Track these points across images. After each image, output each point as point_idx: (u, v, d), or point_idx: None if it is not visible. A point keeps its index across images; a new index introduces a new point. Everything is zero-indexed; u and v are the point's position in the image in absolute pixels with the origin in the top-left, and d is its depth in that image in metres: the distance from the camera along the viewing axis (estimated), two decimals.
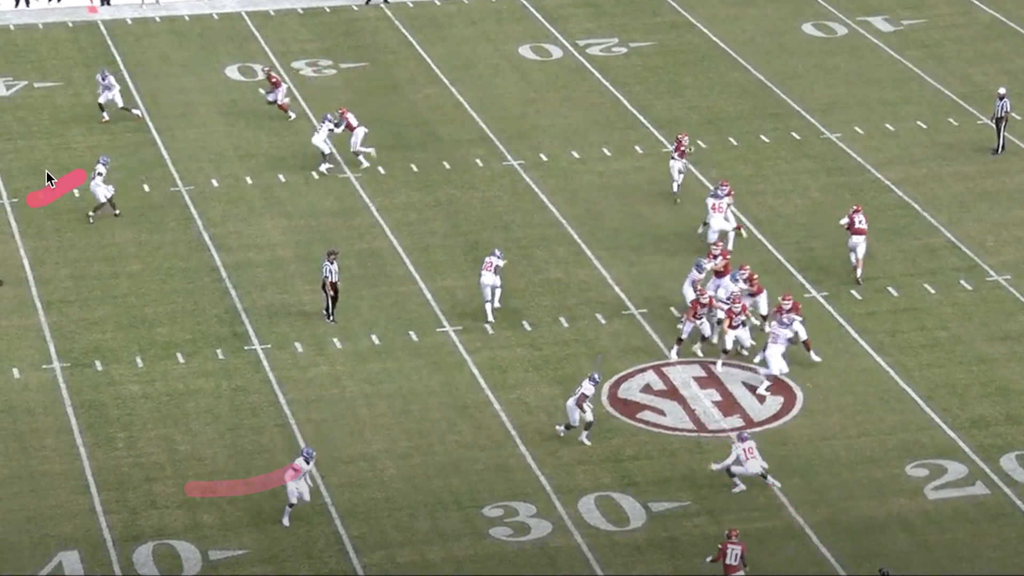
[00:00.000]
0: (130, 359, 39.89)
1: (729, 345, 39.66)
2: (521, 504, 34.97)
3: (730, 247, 43.52)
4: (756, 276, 41.01)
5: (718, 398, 38.68)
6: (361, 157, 48.55)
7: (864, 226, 42.84)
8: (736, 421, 37.80)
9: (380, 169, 48.72)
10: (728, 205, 44.24)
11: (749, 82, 54.41)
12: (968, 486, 35.76)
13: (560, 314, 41.84)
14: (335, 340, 40.65)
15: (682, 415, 38.09)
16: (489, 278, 41.51)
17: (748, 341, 39.76)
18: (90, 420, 37.65)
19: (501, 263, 41.50)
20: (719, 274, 41.17)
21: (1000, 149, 49.28)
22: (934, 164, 49.26)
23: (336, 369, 39.60)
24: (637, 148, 49.62)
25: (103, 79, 51.08)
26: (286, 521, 33.86)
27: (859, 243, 42.81)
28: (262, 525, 34.16)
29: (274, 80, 51.46)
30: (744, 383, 39.16)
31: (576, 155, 49.77)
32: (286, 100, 51.44)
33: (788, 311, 38.99)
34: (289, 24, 58.80)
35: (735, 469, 35.24)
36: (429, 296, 42.56)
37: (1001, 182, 48.20)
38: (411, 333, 41.02)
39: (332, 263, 41.09)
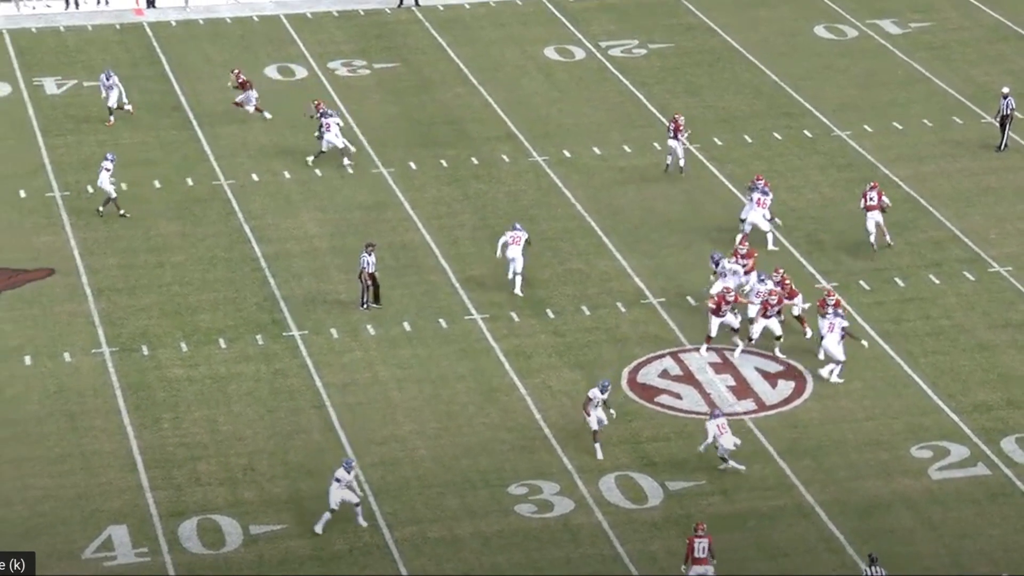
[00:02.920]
0: (175, 344, 40.09)
1: (756, 334, 39.48)
2: (545, 483, 35.11)
3: (771, 246, 43.61)
4: (789, 279, 40.58)
5: (732, 383, 38.74)
6: (347, 164, 48.34)
7: (875, 202, 43.34)
8: (749, 405, 37.90)
9: (412, 165, 48.88)
10: (763, 195, 44.20)
11: (763, 82, 54.44)
12: (970, 467, 35.81)
13: (582, 303, 41.97)
14: (368, 327, 40.82)
15: (698, 399, 38.19)
16: (515, 252, 41.85)
17: (779, 331, 39.54)
18: (137, 402, 37.87)
19: (525, 235, 41.92)
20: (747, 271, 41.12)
21: (1003, 146, 49.30)
22: (940, 161, 49.27)
23: (369, 354, 39.75)
24: (656, 145, 49.64)
25: (107, 79, 50.86)
26: (319, 529, 33.23)
27: (872, 217, 43.36)
28: (300, 502, 34.33)
29: (243, 81, 50.99)
30: (757, 368, 39.27)
31: (598, 151, 49.87)
32: (256, 102, 50.80)
33: (834, 304, 38.92)
34: (325, 26, 58.94)
35: (718, 451, 35.18)
36: (458, 286, 42.71)
37: (1004, 178, 48.18)
38: (441, 321, 41.18)
39: (370, 255, 41.19)
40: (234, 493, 34.85)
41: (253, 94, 50.56)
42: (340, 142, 48.16)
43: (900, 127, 51.26)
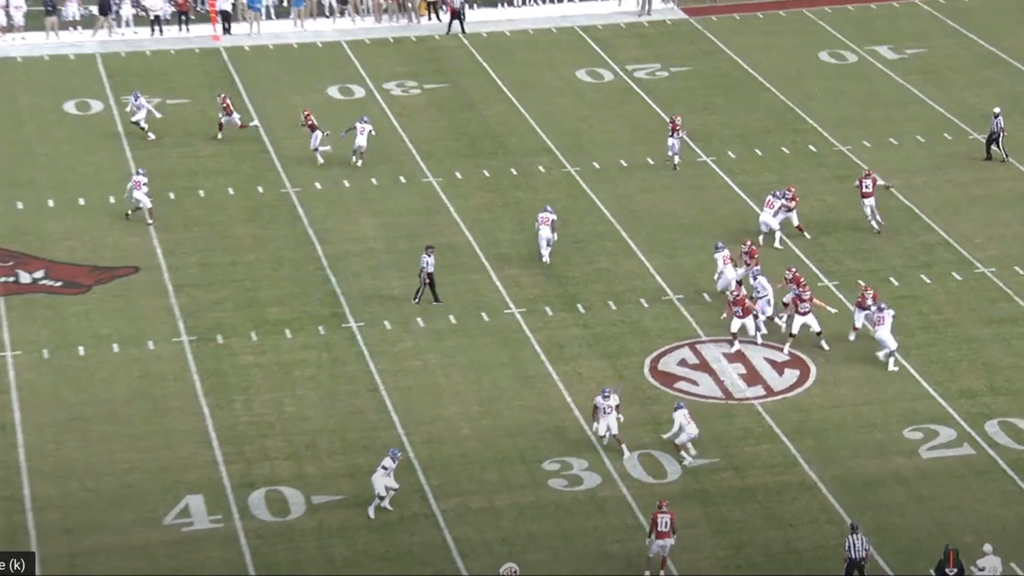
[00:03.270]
0: (246, 334, 40.22)
1: (796, 330, 39.11)
2: (575, 459, 35.16)
3: (777, 244, 43.77)
4: (802, 276, 40.42)
5: (743, 371, 38.70)
6: (319, 155, 48.84)
7: (870, 190, 44.22)
8: (759, 391, 37.85)
9: (457, 175, 48.93)
10: (782, 206, 44.12)
11: (773, 102, 54.36)
12: (957, 447, 35.74)
13: (609, 299, 41.98)
14: (418, 319, 40.89)
15: (712, 385, 38.18)
16: (546, 231, 42.33)
17: (817, 327, 39.26)
18: (212, 385, 38.00)
19: (554, 216, 42.53)
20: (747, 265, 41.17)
21: (1005, 158, 48.96)
22: (931, 173, 49.10)
23: (419, 344, 39.82)
24: (676, 158, 49.64)
25: (135, 99, 50.73)
26: (372, 513, 33.04)
27: (868, 203, 44.22)
28: (357, 476, 34.41)
29: (226, 106, 50.66)
30: (766, 358, 39.25)
31: (623, 163, 49.87)
32: (237, 121, 50.50)
33: (873, 297, 38.96)
34: (381, 51, 59.05)
35: (680, 440, 34.78)
36: (498, 283, 42.76)
37: (989, 188, 48.01)
38: (482, 314, 41.23)
39: (429, 256, 41.20)
40: (298, 467, 34.97)
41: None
42: (364, 144, 48.69)
43: (895, 142, 51.12)
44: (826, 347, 39.22)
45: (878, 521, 33.20)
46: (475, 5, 62.23)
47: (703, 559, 32.33)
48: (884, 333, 38.46)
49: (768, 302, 40.10)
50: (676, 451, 34.98)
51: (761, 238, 43.58)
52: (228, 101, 51.08)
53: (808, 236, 44.63)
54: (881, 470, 34.95)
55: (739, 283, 40.57)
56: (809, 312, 39.12)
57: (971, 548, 31.25)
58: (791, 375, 38.58)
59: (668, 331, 40.40)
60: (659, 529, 31.36)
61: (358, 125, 49.11)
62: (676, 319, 40.98)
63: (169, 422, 36.58)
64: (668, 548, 31.47)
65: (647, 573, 31.51)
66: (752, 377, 38.47)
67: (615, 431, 35.14)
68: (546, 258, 42.86)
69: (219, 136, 50.68)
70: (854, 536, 30.92)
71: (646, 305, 41.63)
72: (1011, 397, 37.55)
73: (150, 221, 45.44)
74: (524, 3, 63.04)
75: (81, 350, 39.43)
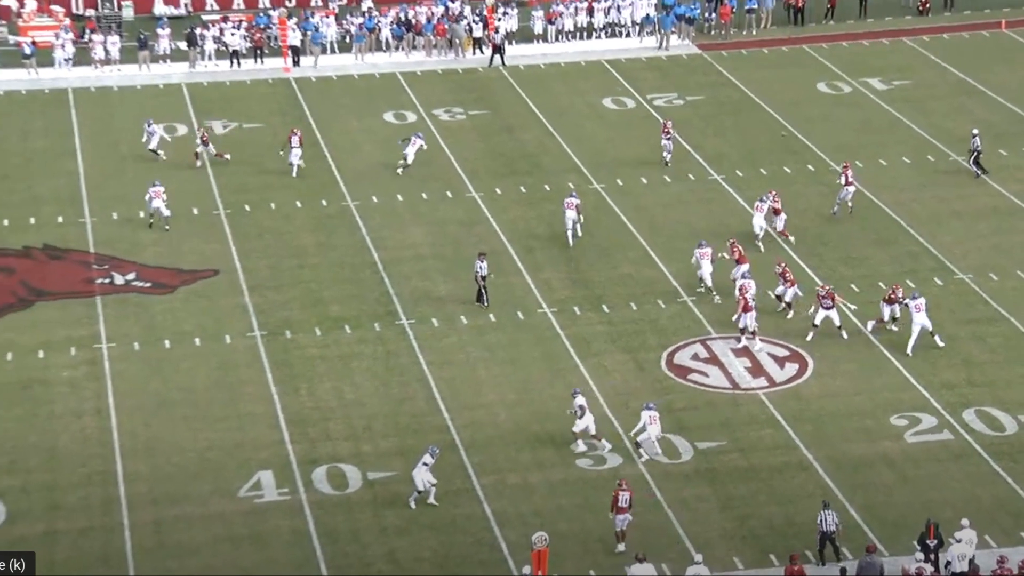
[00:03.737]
0: (310, 329, 40.15)
1: (818, 321, 38.99)
2: (599, 442, 34.93)
3: (762, 247, 43.63)
4: (789, 270, 40.57)
5: (749, 364, 38.45)
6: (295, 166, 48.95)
7: (852, 179, 45.59)
8: (762, 382, 37.59)
9: (497, 190, 48.76)
10: (769, 208, 44.24)
11: (776, 127, 54.01)
12: (937, 433, 35.46)
13: (630, 300, 41.75)
14: (462, 317, 40.75)
15: (721, 377, 37.92)
16: (571, 214, 43.12)
17: (838, 320, 39.05)
18: (281, 375, 37.96)
19: (579, 200, 43.51)
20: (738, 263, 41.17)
21: (981, 173, 48.59)
22: (916, 190, 48.68)
23: (462, 339, 39.68)
24: (690, 176, 49.38)
25: (148, 126, 50.25)
26: (412, 504, 32.39)
27: (848, 191, 45.21)
28: (407, 455, 34.30)
29: (205, 139, 50.02)
30: (769, 353, 38.93)
31: (644, 180, 49.60)
32: (211, 151, 49.74)
33: (899, 293, 39.25)
34: (431, 82, 58.97)
35: (641, 437, 34.08)
36: (532, 286, 42.57)
37: (967, 204, 47.58)
38: (519, 313, 41.06)
39: (482, 261, 41.03)
40: (355, 446, 34.93)
41: (210, 146, 49.28)
42: (412, 156, 49.12)
43: (884, 163, 50.72)
44: (845, 336, 39.09)
45: (867, 498, 32.95)
46: (514, 41, 62.11)
47: (712, 530, 32.15)
48: (922, 319, 38.35)
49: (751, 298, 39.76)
50: (635, 448, 34.08)
51: (732, 238, 42.96)
52: (207, 134, 50.42)
53: (792, 240, 44.32)
54: (870, 453, 34.68)
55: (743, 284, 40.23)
56: (832, 308, 38.88)
57: (950, 522, 31.01)
58: (791, 368, 38.31)
59: (682, 328, 40.17)
60: (619, 505, 31.04)
61: (412, 137, 49.45)
62: (690, 318, 40.74)
63: (243, 407, 36.59)
64: (627, 522, 31.06)
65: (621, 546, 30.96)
66: (756, 370, 38.22)
67: (593, 430, 34.50)
68: (571, 241, 43.06)
69: (197, 164, 49.69)
70: (825, 512, 30.75)
71: (663, 305, 41.39)
72: (986, 388, 37.21)
73: (167, 228, 45.08)
74: (557, 40, 62.88)
75: (167, 343, 39.45)
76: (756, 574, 30.32)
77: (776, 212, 44.62)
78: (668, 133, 49.70)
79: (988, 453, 34.62)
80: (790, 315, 40.11)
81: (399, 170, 49.15)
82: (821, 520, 30.64)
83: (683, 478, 33.77)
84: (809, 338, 39.03)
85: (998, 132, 52.65)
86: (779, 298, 40.33)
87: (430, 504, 32.54)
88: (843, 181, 45.99)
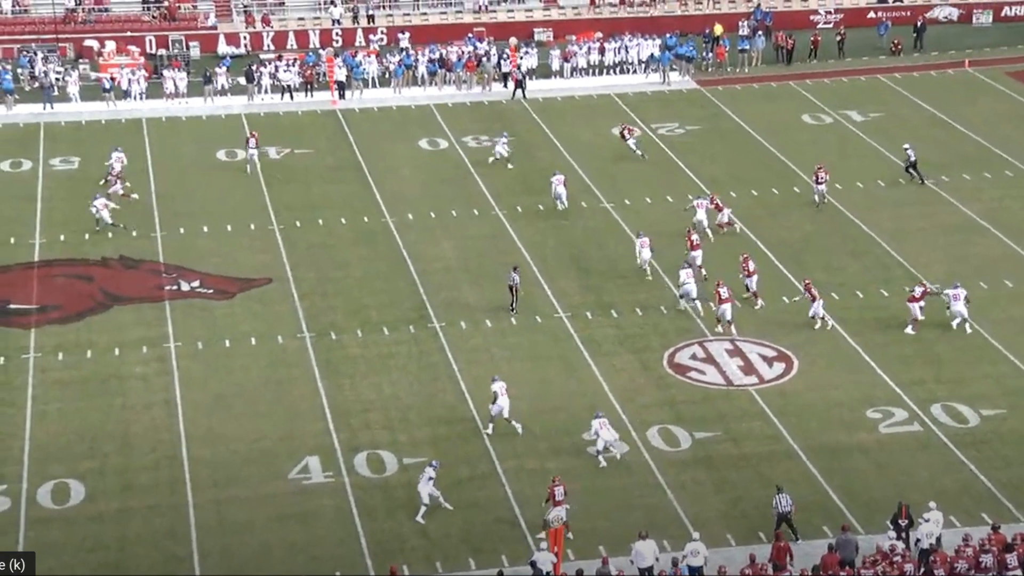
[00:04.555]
0: (353, 331, 40.09)
1: (817, 314, 39.44)
2: (609, 432, 34.73)
3: (712, 239, 44.59)
4: (751, 262, 41.19)
5: (741, 364, 38.28)
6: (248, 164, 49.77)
7: (825, 177, 47.54)
8: (753, 379, 37.41)
9: (518, 208, 48.64)
10: (711, 205, 45.58)
11: (765, 153, 53.79)
12: (908, 425, 35.23)
13: (636, 306, 41.58)
14: (487, 321, 40.65)
15: (716, 375, 37.74)
16: (560, 189, 46.39)
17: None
18: (327, 371, 37.90)
19: (564, 176, 46.78)
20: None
21: (921, 181, 49.15)
22: (889, 208, 48.39)
23: (487, 341, 39.56)
24: (689, 196, 49.13)
25: (116, 151, 49.47)
26: (420, 519, 31.19)
27: (820, 188, 47.13)
28: (438, 443, 34.30)
29: (119, 176, 47.93)
30: (759, 354, 38.75)
31: (648, 200, 49.46)
32: (120, 190, 47.99)
33: (923, 293, 39.60)
34: (460, 112, 58.90)
35: (598, 446, 33.14)
36: (549, 293, 42.45)
37: (931, 220, 47.31)
38: (536, 317, 40.92)
39: (515, 273, 40.95)
40: (392, 435, 34.86)
41: (117, 186, 47.75)
42: (505, 152, 51.44)
43: (861, 185, 50.44)
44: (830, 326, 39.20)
45: (845, 483, 32.75)
46: (534, 77, 62.08)
47: (708, 511, 32.02)
48: (960, 307, 38.59)
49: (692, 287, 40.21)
50: (596, 455, 33.25)
51: (692, 232, 43.48)
52: (121, 174, 48.49)
53: (738, 230, 45.10)
54: (848, 442, 34.50)
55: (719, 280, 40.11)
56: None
57: (919, 504, 30.79)
58: (778, 367, 38.15)
59: (682, 331, 40.01)
60: (555, 499, 30.51)
61: (498, 138, 51.88)
62: (689, 322, 40.55)
63: (293, 400, 36.56)
64: (564, 514, 30.17)
65: (542, 534, 29.81)
66: (748, 369, 38.04)
67: (506, 414, 34.04)
68: (561, 206, 46.14)
69: (133, 197, 47.93)
70: (780, 496, 30.53)
71: (665, 311, 41.24)
72: (952, 385, 36.96)
73: (110, 235, 44.81)
74: (572, 76, 62.86)
75: (227, 343, 39.45)
76: (747, 549, 30.14)
77: (719, 208, 45.58)
78: (631, 132, 52.04)
79: (953, 443, 34.39)
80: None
81: (491, 160, 51.26)
82: (776, 503, 30.43)
83: (682, 464, 33.64)
84: (819, 324, 39.32)
85: (963, 159, 52.34)
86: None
87: (444, 507, 31.62)
88: (815, 180, 47.51)
